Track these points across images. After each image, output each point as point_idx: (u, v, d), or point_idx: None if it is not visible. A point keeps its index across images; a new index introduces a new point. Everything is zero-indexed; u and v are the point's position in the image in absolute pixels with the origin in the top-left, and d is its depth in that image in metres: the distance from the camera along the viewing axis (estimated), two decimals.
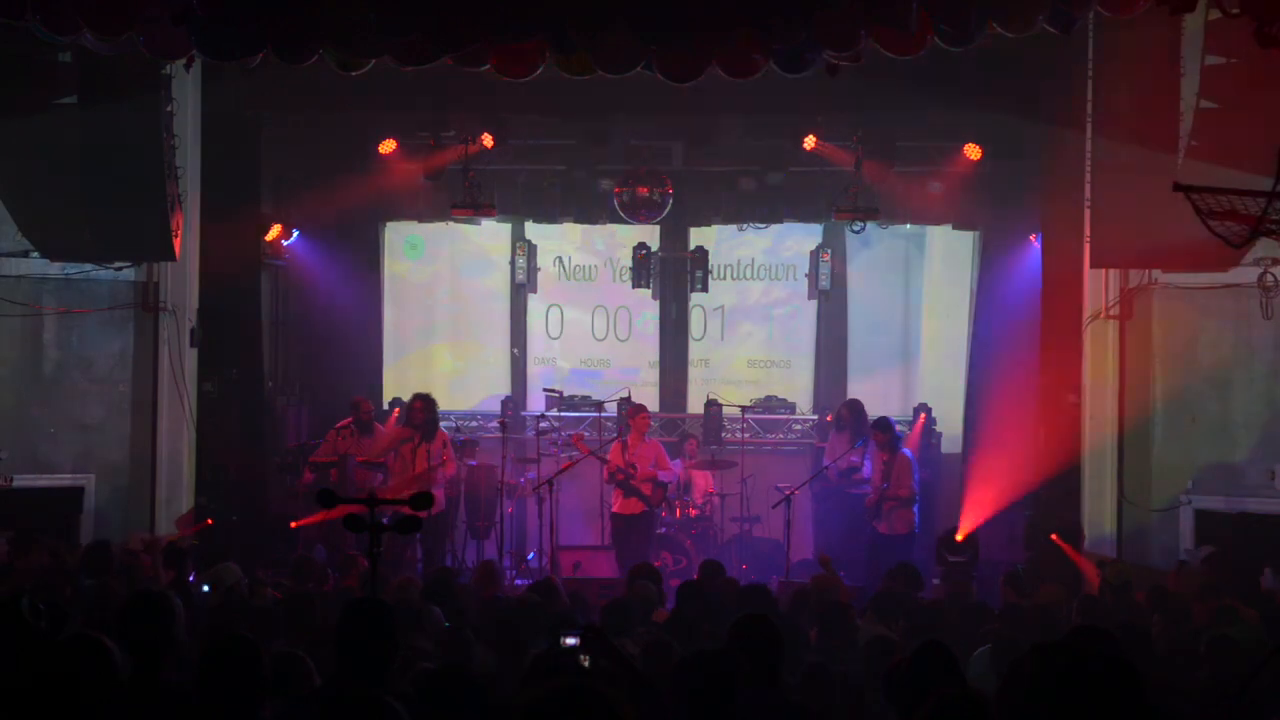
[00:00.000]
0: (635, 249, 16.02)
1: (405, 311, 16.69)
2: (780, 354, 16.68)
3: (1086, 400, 12.97)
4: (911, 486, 13.13)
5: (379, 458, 13.35)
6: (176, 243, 12.54)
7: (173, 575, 10.19)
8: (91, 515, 12.77)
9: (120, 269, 12.91)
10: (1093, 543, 12.72)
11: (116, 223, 12.21)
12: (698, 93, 10.71)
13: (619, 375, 16.13)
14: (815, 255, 16.14)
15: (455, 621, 8.03)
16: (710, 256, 15.99)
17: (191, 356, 13.21)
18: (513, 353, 16.54)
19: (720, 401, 15.49)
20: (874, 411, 13.94)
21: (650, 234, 16.08)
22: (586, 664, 5.54)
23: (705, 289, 16.07)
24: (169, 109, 12.27)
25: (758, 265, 16.62)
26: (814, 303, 16.41)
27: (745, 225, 16.10)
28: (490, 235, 16.62)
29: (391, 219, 16.29)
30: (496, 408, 15.66)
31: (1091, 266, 12.64)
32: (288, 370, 15.86)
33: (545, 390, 15.66)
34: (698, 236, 16.22)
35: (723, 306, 16.58)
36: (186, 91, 12.66)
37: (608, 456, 13.35)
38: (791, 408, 16.12)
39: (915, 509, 13.18)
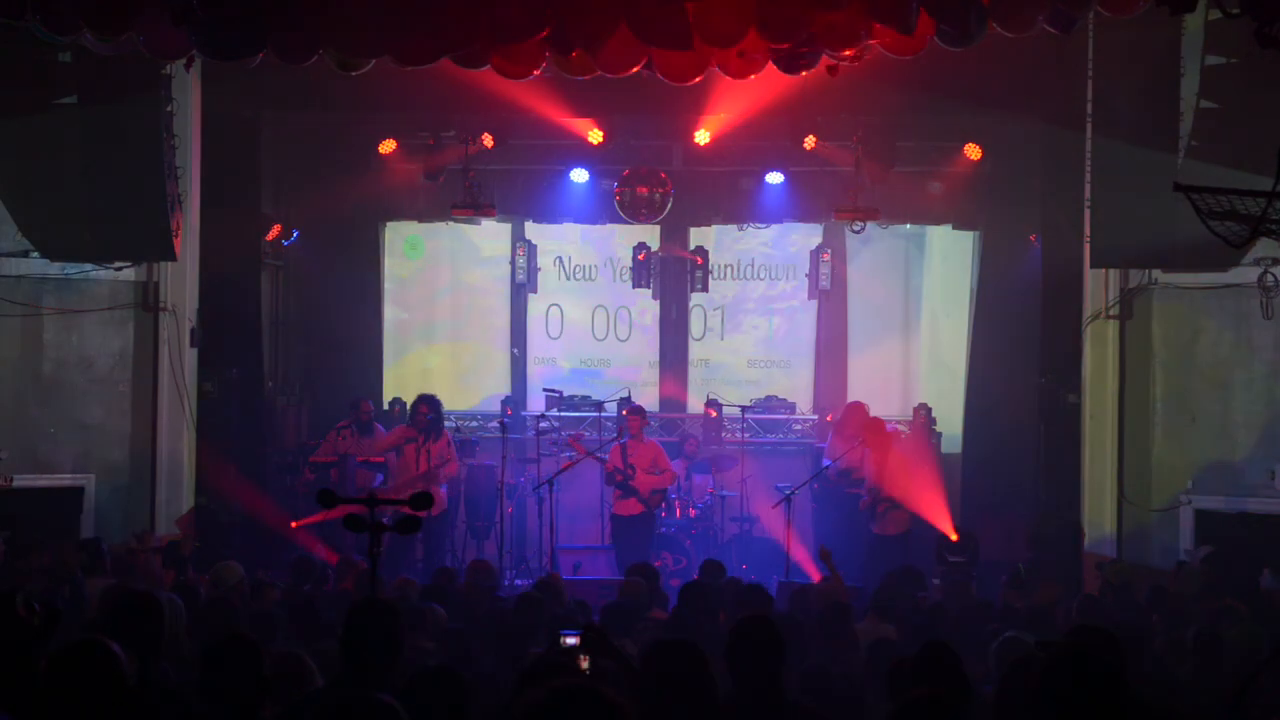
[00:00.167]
0: (635, 249, 16.03)
1: (405, 311, 16.69)
2: (780, 354, 16.67)
3: (1086, 400, 12.97)
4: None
5: (379, 456, 13.35)
6: (176, 243, 12.54)
7: (173, 575, 10.19)
8: (91, 515, 12.75)
9: (120, 269, 12.90)
10: (1093, 543, 12.73)
11: (116, 223, 12.20)
12: (698, 93, 10.73)
13: (619, 375, 16.13)
14: (815, 255, 16.14)
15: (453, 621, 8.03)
16: (710, 256, 16.00)
17: (191, 356, 13.20)
18: (513, 353, 16.53)
19: (720, 401, 15.49)
20: (875, 411, 13.93)
21: (650, 234, 16.08)
22: (586, 664, 5.54)
23: (705, 289, 16.09)
24: (169, 109, 12.26)
25: (758, 265, 16.62)
26: (814, 303, 16.41)
27: (745, 225, 16.11)
28: (490, 235, 16.62)
29: (391, 219, 16.28)
30: (496, 408, 15.66)
31: (1091, 266, 12.64)
32: (288, 370, 15.86)
33: (545, 390, 15.66)
34: (698, 236, 16.22)
35: (723, 306, 16.58)
36: (186, 91, 12.64)
37: (606, 457, 13.34)
38: (791, 408, 16.11)
39: (910, 509, 13.16)
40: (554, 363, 16.64)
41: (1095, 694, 3.85)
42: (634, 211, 15.17)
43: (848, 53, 9.54)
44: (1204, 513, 12.43)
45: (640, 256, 15.99)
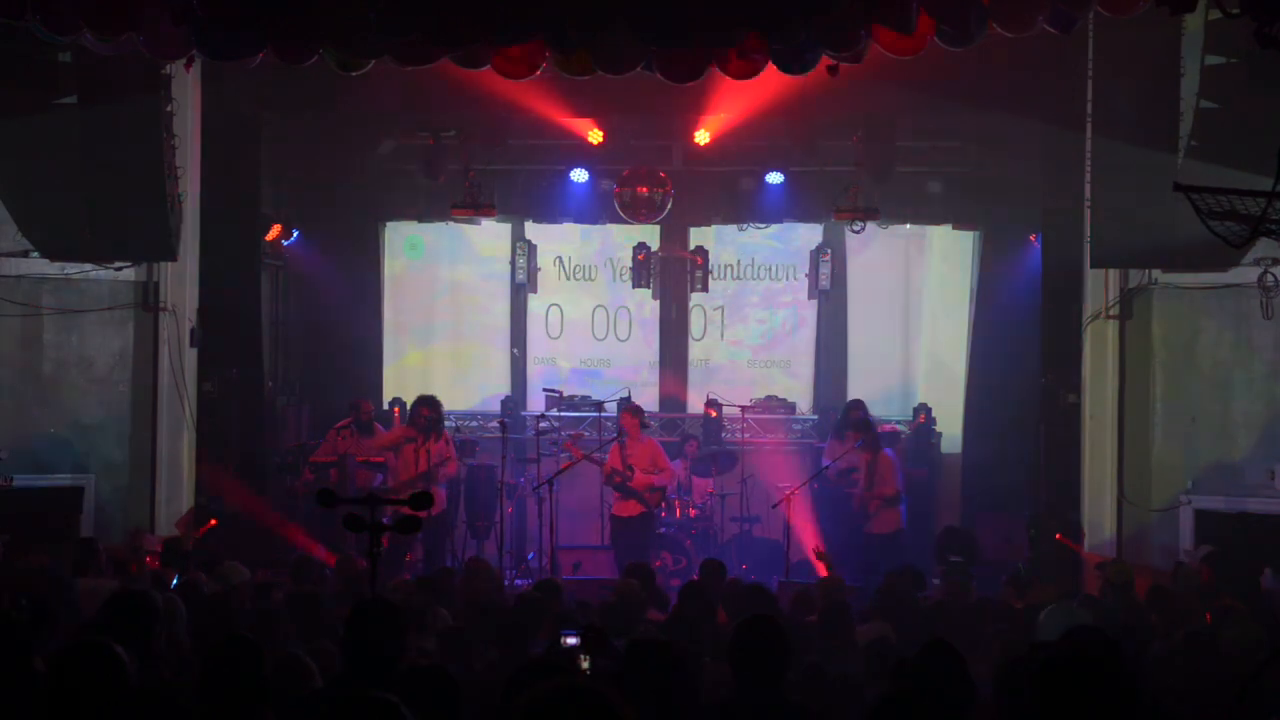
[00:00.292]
0: (635, 249, 16.03)
1: (405, 312, 16.69)
2: (780, 354, 16.67)
3: (1086, 400, 12.96)
4: (896, 486, 13.11)
5: (378, 455, 13.34)
6: (176, 243, 12.54)
7: (173, 575, 10.18)
8: (91, 515, 12.75)
9: (120, 269, 12.90)
10: (1093, 543, 12.73)
11: (116, 223, 12.20)
12: (698, 93, 10.73)
13: (619, 375, 16.12)
14: (815, 255, 16.14)
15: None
16: (710, 256, 16.00)
17: (191, 356, 13.19)
18: (513, 353, 16.53)
19: (720, 401, 15.49)
20: (875, 412, 13.93)
21: (650, 234, 16.08)
22: (586, 664, 5.54)
23: (705, 288, 16.09)
24: (169, 109, 12.26)
25: (758, 265, 16.61)
26: (814, 302, 16.41)
27: (745, 225, 16.11)
28: (490, 235, 16.62)
29: (391, 219, 16.29)
30: (496, 408, 15.67)
31: (1091, 266, 12.64)
32: (288, 370, 15.86)
33: (545, 390, 15.66)
34: (698, 236, 16.22)
35: (723, 306, 16.58)
36: (186, 91, 12.64)
37: (605, 458, 13.33)
38: (791, 408, 16.11)
39: (902, 508, 13.16)
40: (554, 363, 16.63)
41: (1092, 695, 3.85)
42: (634, 211, 15.17)
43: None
44: (1204, 513, 12.43)
45: (640, 256, 15.99)
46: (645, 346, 16.62)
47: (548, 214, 15.79)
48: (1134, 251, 12.24)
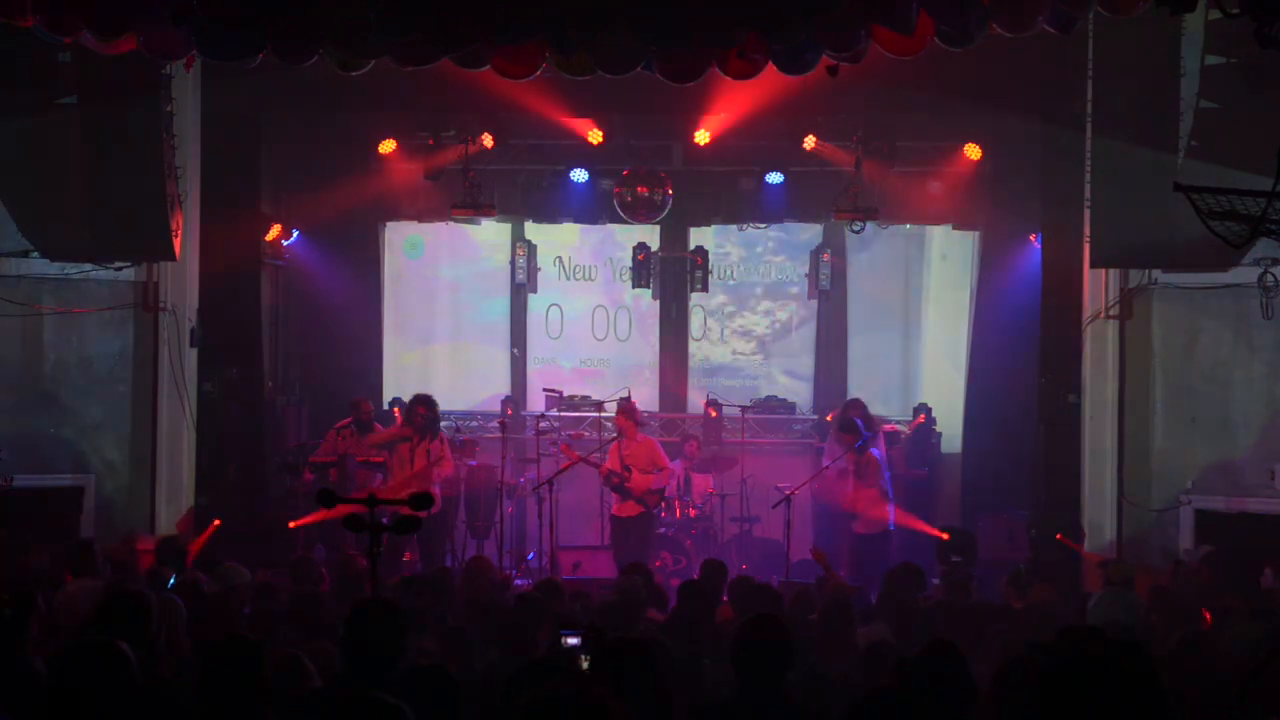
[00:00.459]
0: (635, 249, 16.04)
1: (405, 312, 16.69)
2: (780, 354, 16.68)
3: (1086, 400, 12.96)
4: (882, 485, 13.09)
5: (375, 451, 13.33)
6: (176, 243, 12.54)
7: (170, 574, 10.17)
8: (91, 515, 12.75)
9: (120, 269, 12.90)
10: (1093, 543, 12.73)
11: (116, 223, 12.21)
12: (698, 93, 10.73)
13: (619, 375, 16.12)
14: (815, 255, 16.15)
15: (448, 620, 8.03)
16: (710, 256, 16.00)
17: (191, 356, 13.19)
18: (513, 353, 16.54)
19: (720, 401, 15.49)
20: (875, 412, 13.92)
21: (650, 234, 16.08)
22: (586, 664, 5.54)
23: (705, 289, 16.08)
24: (169, 109, 12.27)
25: (758, 264, 16.62)
26: (814, 302, 16.42)
27: (745, 225, 16.11)
28: (490, 235, 16.63)
29: (391, 219, 16.28)
30: (496, 408, 15.67)
31: (1091, 266, 12.64)
32: (288, 370, 15.86)
33: (545, 390, 15.66)
34: (698, 236, 16.22)
35: (723, 306, 16.59)
36: (186, 91, 12.65)
37: (603, 459, 13.33)
38: (791, 408, 16.12)
39: (890, 507, 13.12)
40: (554, 363, 16.64)
41: (1090, 695, 3.85)
42: (634, 211, 15.17)
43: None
44: (1204, 513, 12.43)
45: (640, 256, 15.99)
46: (645, 346, 16.63)
47: (548, 214, 15.78)
48: (1134, 251, 12.23)
